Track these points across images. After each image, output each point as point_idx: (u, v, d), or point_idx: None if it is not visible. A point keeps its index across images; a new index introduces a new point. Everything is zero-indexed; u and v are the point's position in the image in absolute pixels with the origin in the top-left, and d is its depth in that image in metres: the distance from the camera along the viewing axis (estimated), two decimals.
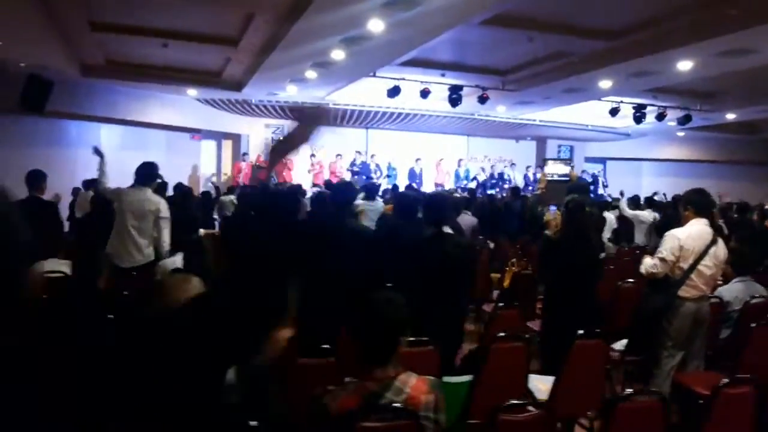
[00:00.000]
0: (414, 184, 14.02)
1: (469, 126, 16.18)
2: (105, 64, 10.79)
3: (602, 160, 19.26)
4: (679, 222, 4.08)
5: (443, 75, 10.93)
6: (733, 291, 4.63)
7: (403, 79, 10.83)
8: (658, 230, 8.03)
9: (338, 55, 8.74)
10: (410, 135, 17.28)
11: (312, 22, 7.06)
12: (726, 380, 2.49)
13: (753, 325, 3.70)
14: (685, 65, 8.62)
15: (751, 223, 8.11)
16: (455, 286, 3.10)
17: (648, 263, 3.95)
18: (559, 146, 18.59)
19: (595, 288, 3.92)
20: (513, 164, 17.53)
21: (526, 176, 16.73)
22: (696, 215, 3.94)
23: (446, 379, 2.88)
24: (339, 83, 11.39)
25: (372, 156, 16.40)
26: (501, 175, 16.79)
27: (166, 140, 14.31)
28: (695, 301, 3.83)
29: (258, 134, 15.80)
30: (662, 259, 3.83)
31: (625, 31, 8.12)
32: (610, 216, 9.33)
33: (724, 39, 7.24)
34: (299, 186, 12.53)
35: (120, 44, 9.58)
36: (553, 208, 4.50)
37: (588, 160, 18.87)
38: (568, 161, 16.61)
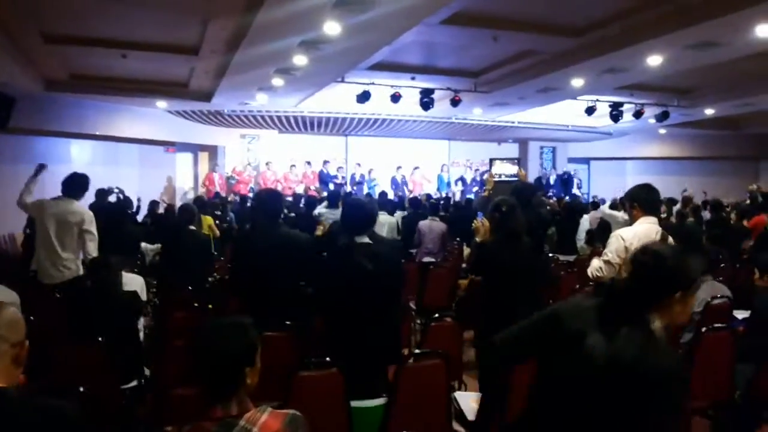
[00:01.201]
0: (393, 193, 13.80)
1: (449, 130, 15.97)
2: (68, 78, 10.54)
3: (586, 160, 19.08)
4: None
5: (413, 78, 10.72)
6: None
7: (372, 83, 10.62)
8: None
9: (300, 60, 8.54)
10: (390, 141, 17.07)
11: (265, 24, 6.83)
12: None
13: (703, 329, 3.46)
14: (654, 60, 8.44)
15: (724, 221, 7.89)
16: (374, 297, 2.85)
17: (594, 266, 3.69)
18: (542, 147, 18.39)
19: (535, 293, 3.66)
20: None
21: None
22: (643, 213, 3.69)
23: (356, 403, 2.63)
24: (308, 90, 11.17)
25: (358, 164, 16.18)
26: (482, 178, 16.59)
27: (139, 154, 14.08)
28: None
29: (234, 145, 15.61)
30: (607, 262, 3.57)
31: (591, 27, 7.93)
32: (584, 218, 9.20)
33: (689, 31, 7.06)
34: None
35: (80, 57, 9.33)
36: (479, 214, 4.28)
37: (571, 160, 18.68)
38: (515, 160, 16.25)
